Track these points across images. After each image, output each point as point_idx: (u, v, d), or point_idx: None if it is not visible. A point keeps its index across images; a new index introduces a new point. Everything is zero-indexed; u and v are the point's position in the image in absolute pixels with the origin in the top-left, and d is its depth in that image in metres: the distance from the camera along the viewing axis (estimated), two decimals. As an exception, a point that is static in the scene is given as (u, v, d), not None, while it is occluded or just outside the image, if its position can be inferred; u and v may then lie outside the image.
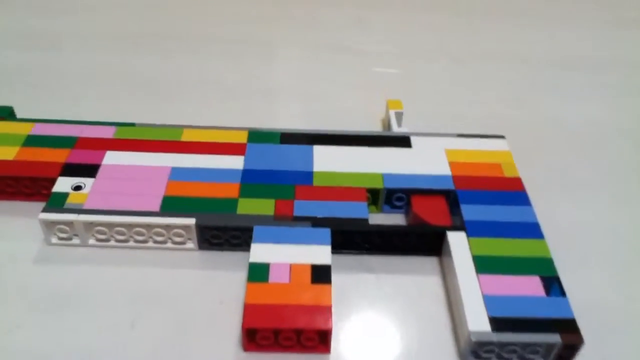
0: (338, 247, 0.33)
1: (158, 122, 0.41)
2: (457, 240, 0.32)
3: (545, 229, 0.33)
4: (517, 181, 0.37)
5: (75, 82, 0.49)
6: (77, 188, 0.35)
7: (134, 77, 0.50)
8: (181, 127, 0.40)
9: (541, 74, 0.52)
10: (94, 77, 0.49)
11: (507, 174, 0.37)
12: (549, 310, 0.29)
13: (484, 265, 0.31)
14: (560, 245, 0.33)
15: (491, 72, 0.52)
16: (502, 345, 0.28)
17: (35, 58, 0.51)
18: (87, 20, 0.57)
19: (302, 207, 0.34)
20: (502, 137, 0.40)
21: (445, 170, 0.37)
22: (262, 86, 0.50)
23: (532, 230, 0.33)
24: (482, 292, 0.30)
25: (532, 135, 0.45)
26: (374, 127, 0.45)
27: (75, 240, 0.34)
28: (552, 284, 0.30)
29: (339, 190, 0.36)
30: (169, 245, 0.34)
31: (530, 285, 0.30)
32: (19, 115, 0.42)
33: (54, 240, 0.34)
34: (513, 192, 0.36)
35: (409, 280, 0.33)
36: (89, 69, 0.50)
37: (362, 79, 0.51)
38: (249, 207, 0.34)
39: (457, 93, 0.50)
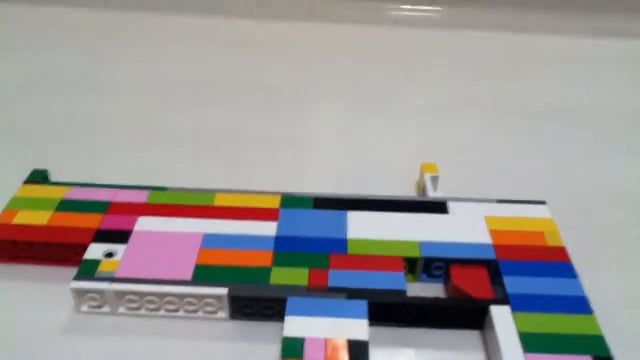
0: (374, 318, 0.32)
1: (190, 177, 0.41)
2: (501, 316, 0.31)
3: (593, 303, 0.32)
4: (562, 251, 0.35)
5: (106, 132, 0.49)
6: (109, 255, 0.34)
7: (165, 130, 0.50)
8: (213, 191, 0.40)
9: (585, 130, 0.51)
10: (125, 129, 0.50)
11: (551, 243, 0.36)
12: (604, 394, 0.27)
13: (531, 343, 0.29)
14: (611, 323, 0.31)
15: (532, 130, 0.51)
16: None
17: (67, 106, 0.52)
18: (118, 70, 0.58)
19: (337, 277, 0.33)
20: (543, 202, 0.39)
21: (485, 238, 0.36)
22: (295, 140, 0.49)
23: (580, 305, 0.32)
24: (530, 373, 0.28)
25: (576, 197, 0.43)
26: (409, 188, 0.44)
27: (106, 309, 0.33)
28: (606, 365, 0.28)
29: (375, 259, 0.34)
30: (201, 314, 0.33)
31: (581, 366, 0.28)
32: (53, 170, 0.42)
33: (85, 308, 0.33)
34: (558, 263, 0.34)
35: (450, 356, 0.32)
36: (120, 120, 0.51)
37: (397, 136, 0.50)
38: (282, 277, 0.33)
39: (495, 153, 0.48)
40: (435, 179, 0.42)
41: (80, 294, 0.33)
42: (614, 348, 0.29)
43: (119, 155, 0.47)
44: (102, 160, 0.46)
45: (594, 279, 0.34)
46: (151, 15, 0.69)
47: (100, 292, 0.33)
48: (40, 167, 0.42)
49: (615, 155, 0.48)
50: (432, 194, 0.40)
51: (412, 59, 0.63)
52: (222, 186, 0.40)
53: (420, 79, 0.60)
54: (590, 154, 0.48)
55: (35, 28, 0.67)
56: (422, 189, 0.43)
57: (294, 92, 0.56)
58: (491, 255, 0.35)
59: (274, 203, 0.39)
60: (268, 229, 0.37)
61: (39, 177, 0.41)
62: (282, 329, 0.31)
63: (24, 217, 0.37)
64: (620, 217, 0.42)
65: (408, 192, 0.44)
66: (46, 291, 0.35)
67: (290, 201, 0.39)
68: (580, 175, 0.46)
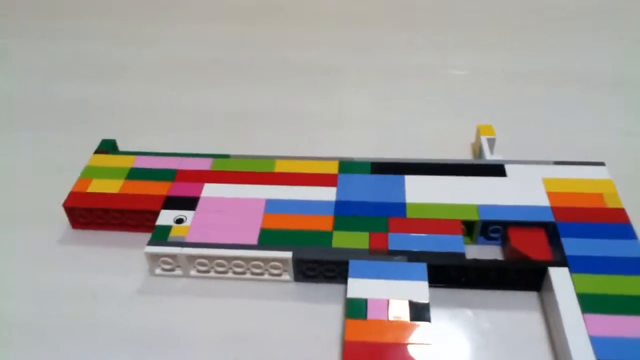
0: (433, 280, 0.33)
1: (248, 151, 0.42)
2: (560, 277, 0.31)
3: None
4: (621, 212, 0.35)
5: (165, 114, 0.51)
6: (179, 221, 0.36)
7: (210, 108, 0.51)
8: (273, 158, 0.41)
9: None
10: (180, 109, 0.51)
11: (610, 204, 0.36)
12: (663, 354, 0.28)
13: (589, 304, 0.30)
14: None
15: (586, 97, 0.50)
16: (613, 390, 0.27)
17: (120, 91, 0.54)
18: (166, 52, 0.60)
19: (397, 240, 0.34)
20: (602, 164, 0.39)
21: (543, 201, 0.36)
22: (346, 114, 0.50)
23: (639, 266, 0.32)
24: (588, 333, 0.29)
25: (636, 163, 0.42)
26: (464, 154, 0.44)
27: (178, 272, 0.35)
28: (665, 326, 0.29)
29: (434, 222, 0.35)
30: (266, 277, 0.35)
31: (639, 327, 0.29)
32: (119, 140, 0.44)
33: (158, 271, 0.35)
34: (617, 224, 0.34)
35: (508, 317, 0.33)
36: (175, 101, 0.52)
37: (447, 104, 0.50)
38: (343, 240, 0.34)
39: (553, 118, 0.48)
40: (491, 141, 0.42)
41: (154, 258, 0.35)
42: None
43: (176, 133, 0.48)
44: (163, 136, 0.48)
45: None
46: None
47: (173, 256, 0.35)
48: (105, 137, 0.44)
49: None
50: (489, 157, 0.41)
51: (459, 22, 0.62)
52: (279, 152, 0.42)
53: (464, 44, 0.59)
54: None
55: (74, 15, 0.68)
56: (477, 152, 0.43)
57: (336, 65, 0.56)
58: (549, 218, 0.35)
59: (332, 168, 0.40)
60: (328, 194, 0.38)
61: (108, 146, 0.43)
62: (343, 291, 0.33)
63: (97, 186, 0.39)
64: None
65: (464, 155, 0.44)
66: (121, 255, 0.37)
67: (348, 166, 0.40)
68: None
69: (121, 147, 0.44)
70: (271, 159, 0.41)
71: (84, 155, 0.42)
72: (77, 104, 0.52)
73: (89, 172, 0.40)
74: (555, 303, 0.30)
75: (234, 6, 0.67)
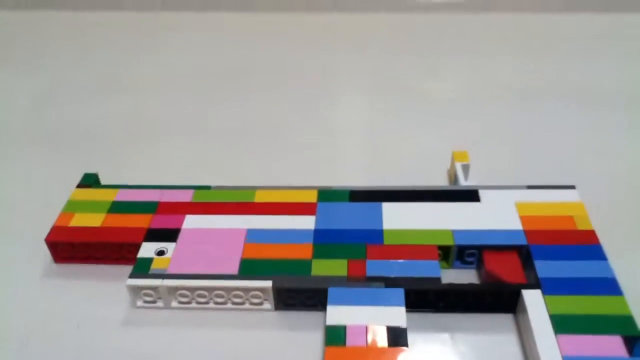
0: (411, 305, 0.34)
1: (231, 173, 0.44)
2: (533, 299, 0.32)
3: (623, 286, 0.33)
4: (591, 234, 0.36)
5: (141, 131, 0.52)
6: (160, 253, 0.37)
7: (195, 126, 0.52)
8: (254, 188, 0.42)
9: (615, 113, 0.52)
10: (157, 126, 0.52)
11: (580, 226, 0.37)
12: (633, 372, 0.28)
13: (562, 324, 0.31)
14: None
15: (561, 114, 0.52)
16: (585, 409, 0.27)
17: (104, 111, 0.55)
18: (150, 69, 0.61)
19: (375, 266, 0.35)
20: (572, 187, 0.40)
21: (516, 224, 0.37)
22: (326, 132, 0.51)
23: (610, 286, 0.33)
24: (561, 354, 0.29)
25: (607, 183, 0.44)
26: (441, 177, 0.45)
27: (159, 303, 0.36)
28: (636, 344, 0.29)
29: (410, 248, 0.36)
30: (247, 306, 0.35)
31: (611, 345, 0.30)
32: (101, 171, 0.45)
33: (140, 303, 0.36)
34: (587, 246, 0.35)
35: (485, 339, 0.33)
36: (151, 118, 0.53)
37: (426, 127, 0.52)
38: (322, 268, 0.35)
39: (526, 140, 0.49)
40: (466, 167, 0.43)
41: (136, 290, 0.35)
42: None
43: (158, 152, 0.49)
44: (143, 158, 0.49)
45: (623, 265, 0.34)
46: (168, 13, 0.71)
47: (154, 288, 0.35)
48: (87, 169, 0.45)
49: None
50: (464, 182, 0.42)
51: (438, 46, 0.64)
52: (259, 180, 0.43)
53: (446, 66, 0.60)
54: (620, 138, 0.49)
55: (60, 32, 0.69)
56: (453, 178, 0.44)
57: (321, 83, 0.58)
58: (522, 241, 0.36)
59: (311, 197, 0.41)
60: (307, 222, 0.38)
61: (90, 180, 0.43)
62: (323, 317, 0.33)
63: (80, 220, 0.40)
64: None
65: (440, 181, 0.45)
66: (104, 288, 0.37)
67: (327, 195, 0.41)
68: (611, 160, 0.47)
69: (101, 175, 0.44)
70: (251, 189, 0.42)
71: (67, 187, 0.43)
72: (56, 131, 0.53)
73: (71, 206, 0.41)
74: (529, 324, 0.31)
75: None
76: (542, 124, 0.51)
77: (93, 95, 0.58)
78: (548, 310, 0.32)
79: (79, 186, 0.43)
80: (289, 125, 0.52)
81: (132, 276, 0.35)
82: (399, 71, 0.60)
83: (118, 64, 0.62)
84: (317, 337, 0.34)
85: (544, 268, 0.34)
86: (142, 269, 0.36)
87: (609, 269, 0.34)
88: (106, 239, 0.38)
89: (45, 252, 0.39)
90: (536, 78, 0.57)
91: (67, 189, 0.43)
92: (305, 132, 0.51)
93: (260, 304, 0.35)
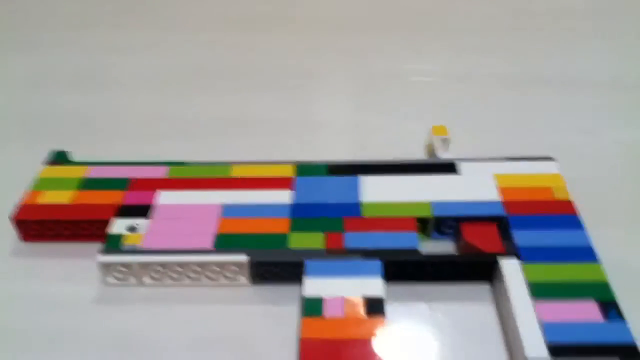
0: (390, 277, 0.33)
1: (207, 153, 0.42)
2: (510, 267, 0.32)
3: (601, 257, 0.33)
4: (569, 204, 0.36)
5: (122, 123, 0.50)
6: (132, 229, 0.36)
7: (179, 116, 0.51)
8: (230, 163, 0.41)
9: (598, 97, 0.51)
10: (138, 117, 0.51)
11: (558, 196, 0.37)
12: (609, 335, 0.28)
13: (539, 291, 0.31)
14: (614, 273, 0.32)
15: (542, 97, 0.52)
16: (563, 373, 0.27)
17: (83, 100, 0.53)
18: (129, 61, 0.59)
19: (352, 239, 0.35)
20: (551, 158, 0.40)
21: (494, 196, 0.37)
22: (306, 116, 0.50)
23: (587, 254, 0.33)
24: (538, 319, 0.29)
25: (586, 162, 0.43)
26: (419, 152, 0.45)
27: (132, 280, 0.35)
28: (611, 309, 0.30)
29: (388, 220, 0.36)
30: (222, 281, 0.35)
31: (587, 311, 0.30)
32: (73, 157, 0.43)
33: (111, 280, 0.35)
34: (565, 216, 0.35)
35: (462, 308, 0.33)
36: (134, 109, 0.52)
37: (406, 105, 0.51)
38: (299, 241, 0.35)
39: (507, 120, 0.49)
40: (445, 141, 0.43)
41: (107, 267, 0.34)
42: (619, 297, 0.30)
43: (134, 144, 0.47)
44: (117, 148, 0.47)
45: (600, 237, 0.34)
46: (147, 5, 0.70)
47: (126, 265, 0.34)
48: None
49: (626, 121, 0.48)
50: (442, 155, 0.41)
51: (421, 27, 0.64)
52: (236, 157, 0.42)
53: (428, 46, 0.60)
54: (603, 118, 0.49)
55: (42, 23, 0.67)
56: (431, 153, 0.44)
57: (301, 68, 0.57)
58: (500, 212, 0.36)
59: (289, 172, 0.40)
60: (283, 197, 0.38)
61: (60, 157, 0.42)
62: (300, 290, 0.33)
63: (48, 197, 0.38)
64: (629, 179, 0.42)
65: (418, 156, 0.44)
66: (74, 266, 0.36)
67: (305, 169, 0.40)
68: (593, 138, 0.46)
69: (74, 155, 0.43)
70: (228, 164, 0.41)
71: (35, 168, 0.41)
72: (26, 116, 0.51)
73: (40, 184, 0.40)
74: (506, 292, 0.31)
75: (197, 17, 0.67)
76: (525, 104, 0.51)
77: (59, 88, 0.55)
78: (526, 278, 0.31)
79: (47, 163, 0.41)
80: (266, 110, 0.51)
81: (103, 252, 0.34)
82: (381, 52, 0.59)
83: (84, 59, 0.60)
84: (293, 310, 0.33)
85: (521, 237, 0.34)
86: (114, 245, 0.35)
87: (585, 237, 0.34)
88: (76, 216, 0.37)
89: (12, 231, 0.38)
90: (520, 61, 0.57)
91: (35, 169, 0.41)
92: (287, 118, 0.50)
93: (236, 278, 0.35)
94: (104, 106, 0.52)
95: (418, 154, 0.45)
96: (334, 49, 0.60)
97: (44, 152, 0.43)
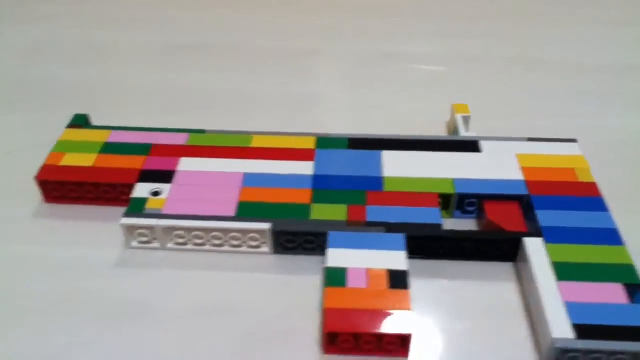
0: (411, 252, 0.33)
1: (226, 124, 0.42)
2: (535, 247, 0.32)
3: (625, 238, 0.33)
4: (593, 186, 0.36)
5: (141, 96, 0.50)
6: (156, 194, 0.36)
7: (191, 90, 0.50)
8: (251, 133, 0.41)
9: (618, 81, 0.51)
10: (156, 91, 0.50)
11: (582, 178, 0.36)
12: (635, 318, 0.28)
13: (564, 272, 0.31)
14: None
15: (560, 78, 0.51)
16: (587, 353, 0.27)
17: (104, 70, 0.53)
18: (142, 34, 0.59)
19: (375, 212, 0.35)
20: (574, 140, 0.39)
21: (517, 175, 0.37)
22: (323, 96, 0.50)
23: (611, 237, 0.33)
24: (563, 300, 0.29)
25: (607, 142, 0.43)
26: (440, 130, 0.45)
27: (155, 244, 0.35)
28: (637, 292, 0.29)
29: (411, 195, 0.36)
30: (245, 249, 0.35)
31: (613, 293, 0.30)
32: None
33: (134, 244, 0.35)
34: (589, 198, 0.35)
35: (484, 287, 0.33)
36: (151, 83, 0.51)
37: (425, 88, 0.51)
38: (321, 213, 0.35)
39: (526, 101, 0.49)
40: (466, 119, 0.42)
41: (130, 230, 0.34)
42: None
43: (152, 113, 0.47)
44: (138, 116, 0.46)
45: (624, 222, 0.34)
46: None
47: (150, 228, 0.34)
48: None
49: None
50: (464, 133, 0.41)
51: (436, 12, 0.63)
52: (255, 128, 0.42)
53: (445, 29, 0.59)
54: (623, 102, 0.49)
55: None
56: (452, 130, 0.44)
57: (316, 50, 0.56)
58: (523, 191, 0.36)
59: (310, 144, 0.40)
60: (305, 168, 0.38)
61: (81, 121, 0.42)
62: (322, 262, 0.33)
63: (71, 159, 0.38)
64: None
65: (439, 133, 0.44)
66: (96, 229, 0.36)
67: (325, 142, 0.40)
68: (613, 120, 0.46)
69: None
70: (248, 134, 0.41)
71: (58, 132, 0.41)
72: (51, 84, 0.51)
73: (62, 146, 0.40)
74: (530, 272, 0.31)
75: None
76: (544, 88, 0.50)
77: (62, 59, 0.55)
78: (550, 258, 0.31)
79: (69, 127, 0.41)
80: (286, 89, 0.50)
81: (126, 215, 0.34)
82: (398, 34, 0.59)
83: (112, 28, 0.60)
84: (315, 281, 0.33)
85: (545, 217, 0.34)
86: (137, 208, 0.35)
87: (610, 220, 0.34)
88: (98, 179, 0.37)
89: (35, 192, 0.38)
90: (536, 44, 0.56)
91: (59, 133, 0.41)
92: (302, 96, 0.50)
93: (258, 247, 0.35)
94: (119, 78, 0.52)
95: (438, 131, 0.44)
96: (346, 29, 0.59)
97: (62, 118, 0.43)
